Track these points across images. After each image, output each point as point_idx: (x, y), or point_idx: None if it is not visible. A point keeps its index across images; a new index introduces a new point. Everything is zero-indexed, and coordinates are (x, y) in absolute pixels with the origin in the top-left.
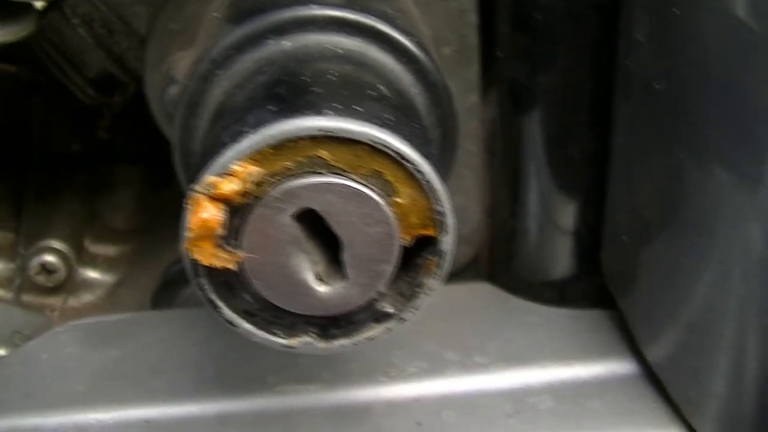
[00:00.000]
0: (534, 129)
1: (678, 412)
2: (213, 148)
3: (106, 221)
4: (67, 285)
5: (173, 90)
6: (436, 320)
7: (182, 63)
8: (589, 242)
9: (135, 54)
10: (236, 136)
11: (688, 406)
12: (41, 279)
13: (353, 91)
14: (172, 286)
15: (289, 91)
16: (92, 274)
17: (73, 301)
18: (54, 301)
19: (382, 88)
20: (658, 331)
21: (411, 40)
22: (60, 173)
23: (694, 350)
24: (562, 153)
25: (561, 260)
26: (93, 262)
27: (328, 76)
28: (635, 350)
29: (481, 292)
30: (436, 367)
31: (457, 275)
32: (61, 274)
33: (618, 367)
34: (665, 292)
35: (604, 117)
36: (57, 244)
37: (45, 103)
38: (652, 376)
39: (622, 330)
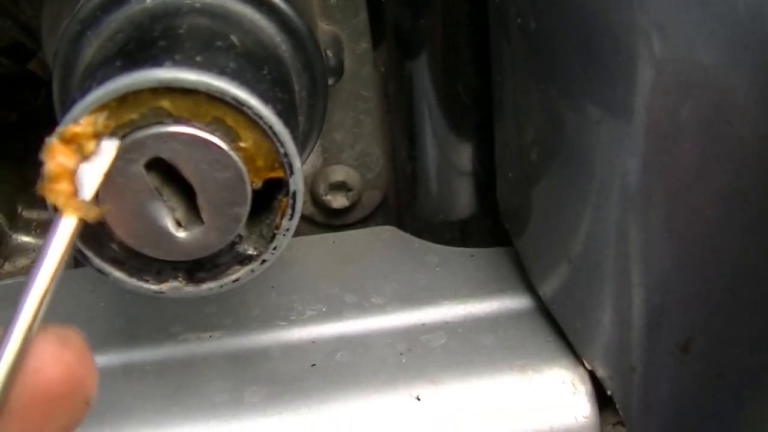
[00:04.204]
0: (422, 72)
1: (569, 345)
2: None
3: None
4: (2, 251)
5: None
6: (339, 264)
7: None
8: (486, 182)
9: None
10: (84, 93)
11: (577, 337)
12: None
13: (198, 42)
14: None
15: (137, 46)
16: (26, 238)
17: (8, 266)
18: None
19: (233, 38)
20: (548, 266)
21: None
22: None
23: (580, 283)
24: (450, 94)
25: (460, 200)
26: (27, 227)
27: (178, 30)
28: (529, 286)
29: (385, 236)
30: (333, 310)
31: (367, 219)
32: None
33: (512, 302)
34: (553, 228)
35: (487, 57)
36: None
37: None
38: (545, 311)
39: (517, 267)
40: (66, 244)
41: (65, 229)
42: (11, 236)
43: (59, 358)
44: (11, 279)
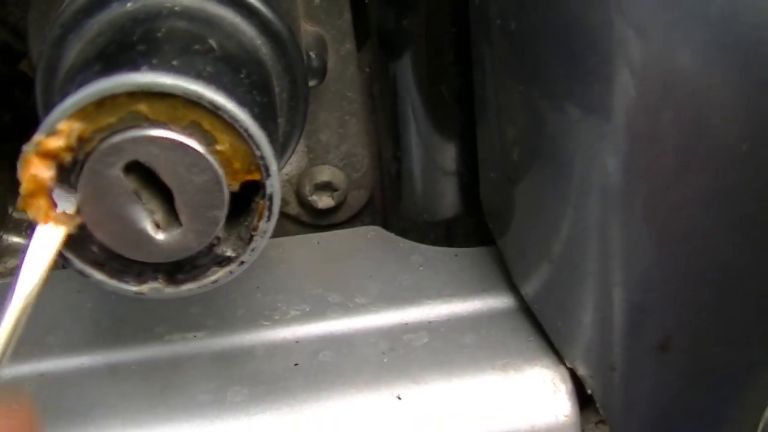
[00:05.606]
0: (405, 72)
1: (550, 344)
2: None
3: None
4: None
5: None
6: (323, 264)
7: None
8: (470, 182)
9: None
10: (63, 97)
11: (558, 336)
12: None
13: (176, 46)
14: None
15: (116, 50)
16: (17, 239)
17: None
18: None
19: (211, 41)
20: (530, 265)
21: None
22: None
23: (561, 282)
24: (434, 94)
25: (444, 200)
26: (17, 228)
27: (156, 34)
28: (512, 286)
29: (369, 236)
30: (317, 310)
31: (353, 219)
32: None
33: (494, 302)
34: (534, 227)
35: (470, 58)
36: None
37: None
38: (527, 310)
39: (500, 266)
40: (50, 257)
41: (46, 241)
42: (1, 237)
43: None
44: (1, 279)
